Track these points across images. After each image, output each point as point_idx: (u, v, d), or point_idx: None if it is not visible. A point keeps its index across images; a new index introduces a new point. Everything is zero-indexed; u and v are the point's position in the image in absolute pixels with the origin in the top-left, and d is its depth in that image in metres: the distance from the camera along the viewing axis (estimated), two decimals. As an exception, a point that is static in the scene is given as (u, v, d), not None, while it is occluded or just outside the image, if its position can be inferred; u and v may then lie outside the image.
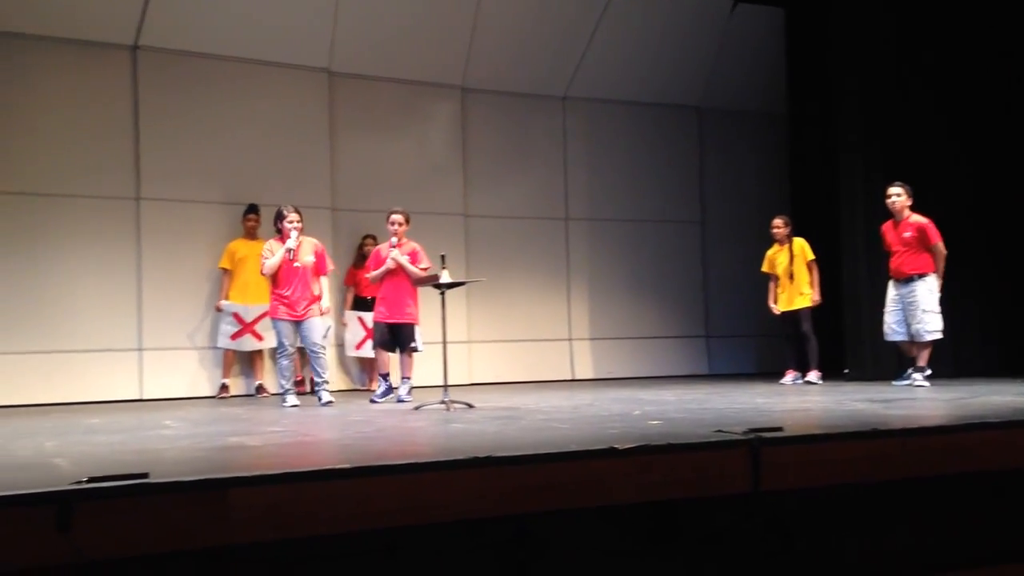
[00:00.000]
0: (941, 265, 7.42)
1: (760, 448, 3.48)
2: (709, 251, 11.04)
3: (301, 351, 8.51)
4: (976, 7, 8.84)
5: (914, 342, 7.45)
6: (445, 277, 6.39)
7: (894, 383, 7.52)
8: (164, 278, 8.39)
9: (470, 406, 6.19)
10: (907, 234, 7.43)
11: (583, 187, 10.51)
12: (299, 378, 8.66)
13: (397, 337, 7.14)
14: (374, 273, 7.16)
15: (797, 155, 10.37)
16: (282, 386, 6.93)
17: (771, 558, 3.57)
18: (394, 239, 7.10)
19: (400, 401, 6.92)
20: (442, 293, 6.42)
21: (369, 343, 8.68)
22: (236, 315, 8.28)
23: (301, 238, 6.94)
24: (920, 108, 8.71)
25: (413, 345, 7.11)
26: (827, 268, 8.64)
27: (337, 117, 9.25)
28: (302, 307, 6.88)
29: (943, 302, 7.50)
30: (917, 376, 7.32)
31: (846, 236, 8.61)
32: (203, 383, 8.50)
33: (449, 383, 6.29)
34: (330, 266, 7.28)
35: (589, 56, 10.18)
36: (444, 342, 6.41)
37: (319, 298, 6.99)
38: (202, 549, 2.73)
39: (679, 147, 10.96)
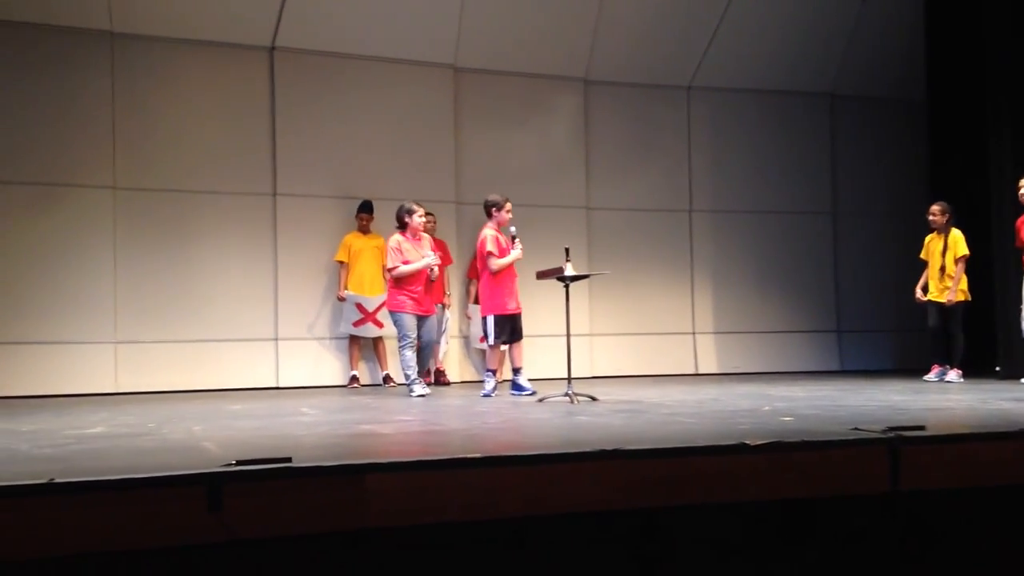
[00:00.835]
0: None
1: (900, 447, 3.35)
2: (841, 243, 10.66)
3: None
4: None
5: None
6: (569, 270, 6.40)
7: None
8: (296, 271, 8.73)
9: (593, 399, 6.19)
10: None
11: (707, 178, 10.32)
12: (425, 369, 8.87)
13: (517, 328, 7.07)
14: (501, 261, 6.96)
15: (937, 143, 9.86)
16: (408, 376, 7.10)
17: (910, 561, 3.44)
18: (512, 228, 7.03)
19: (524, 391, 6.87)
20: (566, 286, 6.44)
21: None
22: (359, 305, 8.53)
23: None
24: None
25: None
26: (974, 261, 8.21)
27: (462, 112, 9.40)
28: (427, 304, 7.18)
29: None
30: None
31: (997, 229, 8.15)
32: (333, 372, 8.80)
33: (572, 376, 6.31)
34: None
35: (715, 44, 9.98)
36: (568, 335, 6.43)
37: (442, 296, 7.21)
38: (341, 531, 2.83)
39: (809, 135, 10.63)
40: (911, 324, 9.06)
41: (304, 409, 5.81)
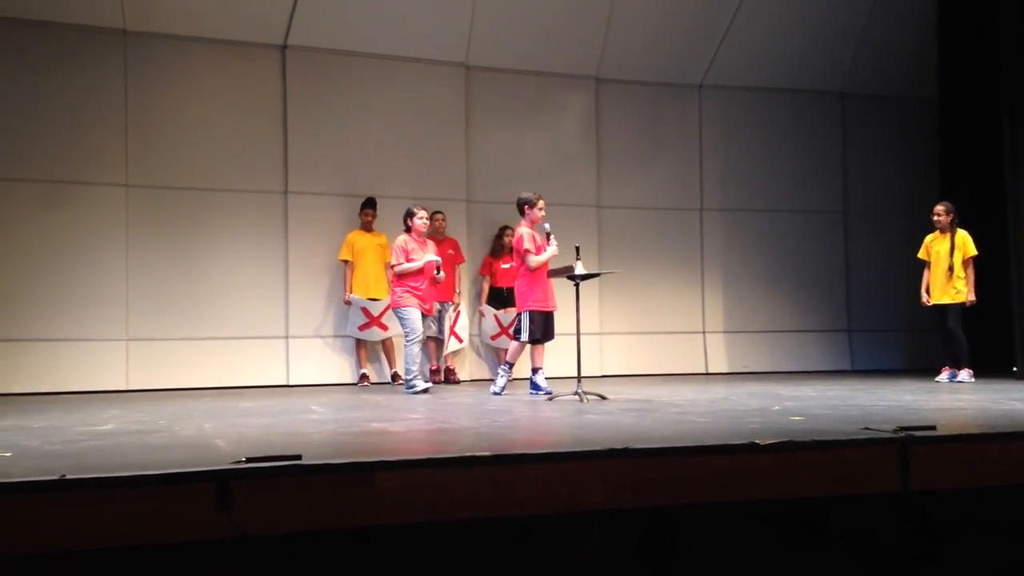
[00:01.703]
0: None
1: (911, 447, 3.34)
2: (852, 242, 10.62)
3: (436, 340, 8.77)
4: None
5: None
6: (579, 269, 6.39)
7: None
8: (307, 269, 8.75)
9: (603, 398, 6.19)
10: None
11: (718, 177, 10.30)
12: (435, 367, 8.88)
13: (550, 326, 7.00)
14: (539, 258, 6.88)
15: (950, 142, 9.82)
16: (409, 371, 7.14)
17: (918, 560, 3.43)
18: (547, 225, 6.90)
19: (541, 391, 6.81)
20: (576, 285, 6.43)
21: (504, 336, 8.81)
22: (364, 309, 8.52)
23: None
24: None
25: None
26: (986, 261, 8.18)
27: (473, 110, 9.40)
28: (428, 303, 7.35)
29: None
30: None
31: (1012, 227, 8.11)
32: (341, 370, 8.82)
33: (582, 375, 6.31)
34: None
35: (727, 42, 9.95)
36: (578, 333, 6.42)
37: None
38: (351, 528, 2.84)
39: (820, 134, 10.59)
40: (923, 324, 9.02)
41: (314, 407, 5.83)
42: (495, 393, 6.92)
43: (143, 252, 8.26)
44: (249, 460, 2.82)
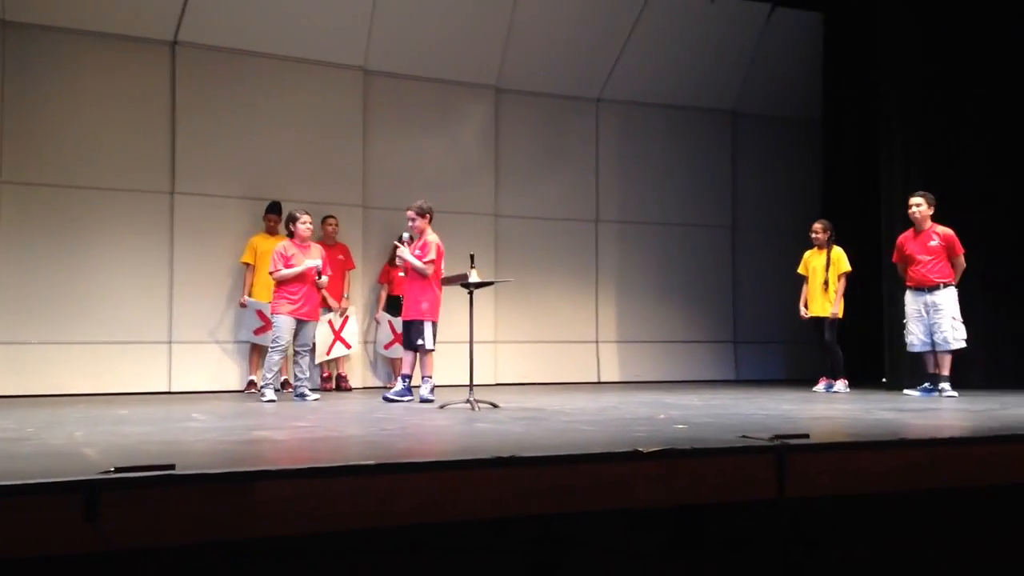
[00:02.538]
0: (959, 276, 7.48)
1: (786, 455, 3.45)
2: (739, 256, 10.97)
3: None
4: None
5: (937, 352, 7.40)
6: (473, 277, 6.40)
7: (912, 392, 7.48)
8: (194, 272, 8.48)
9: (495, 406, 6.20)
10: (933, 242, 7.45)
11: (614, 189, 10.48)
12: (327, 374, 8.74)
13: (408, 335, 7.09)
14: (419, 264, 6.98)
15: (832, 162, 10.27)
16: (266, 379, 7.07)
17: (794, 565, 3.54)
18: (405, 235, 7.04)
19: (424, 400, 6.86)
20: (470, 293, 6.43)
21: (398, 345, 8.73)
22: (260, 312, 8.32)
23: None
24: (963, 114, 8.59)
25: (420, 343, 6.90)
26: (862, 276, 8.57)
27: (371, 115, 9.30)
28: (307, 309, 7.18)
29: (976, 311, 7.43)
30: (946, 386, 7.28)
31: (887, 244, 8.51)
32: (229, 377, 8.58)
33: (474, 383, 6.30)
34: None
35: (624, 58, 10.14)
36: (471, 341, 6.42)
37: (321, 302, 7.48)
38: (228, 541, 2.75)
39: (712, 151, 10.90)
40: (803, 336, 9.38)
41: (195, 415, 5.64)
42: (384, 398, 6.96)
43: (14, 251, 7.85)
44: (118, 470, 2.70)
